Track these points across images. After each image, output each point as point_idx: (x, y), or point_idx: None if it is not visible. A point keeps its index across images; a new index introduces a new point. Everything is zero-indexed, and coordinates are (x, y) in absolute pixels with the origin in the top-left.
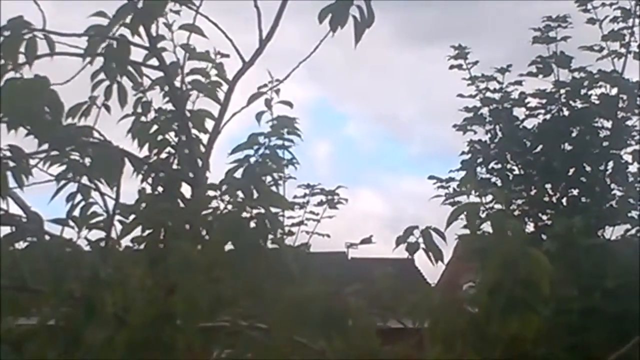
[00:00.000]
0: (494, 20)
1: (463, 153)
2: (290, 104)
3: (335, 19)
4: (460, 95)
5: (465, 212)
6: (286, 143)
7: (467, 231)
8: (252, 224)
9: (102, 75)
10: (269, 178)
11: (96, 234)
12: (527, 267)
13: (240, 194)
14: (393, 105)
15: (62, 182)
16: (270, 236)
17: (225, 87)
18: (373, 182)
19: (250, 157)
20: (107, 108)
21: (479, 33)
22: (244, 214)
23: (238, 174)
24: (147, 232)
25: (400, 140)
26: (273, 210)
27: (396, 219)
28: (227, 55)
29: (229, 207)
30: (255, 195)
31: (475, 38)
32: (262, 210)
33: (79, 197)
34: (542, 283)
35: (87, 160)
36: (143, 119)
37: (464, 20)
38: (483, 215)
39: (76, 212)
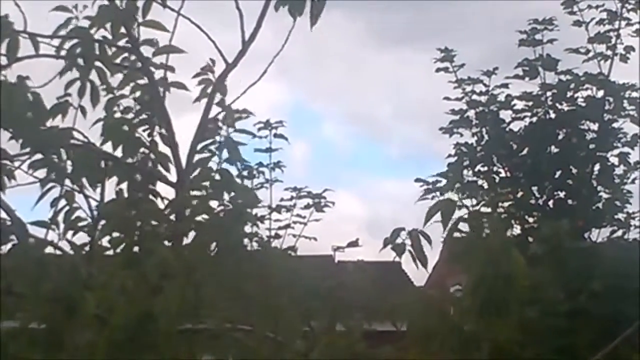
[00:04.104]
0: (469, 21)
1: (449, 156)
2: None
3: (293, 7)
4: (447, 98)
5: (440, 210)
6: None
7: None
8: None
9: (75, 74)
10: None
11: (81, 237)
12: (508, 265)
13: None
14: (368, 105)
15: (48, 186)
16: (255, 239)
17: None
18: (350, 184)
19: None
20: (83, 109)
21: (455, 34)
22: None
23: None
24: (123, 234)
25: (377, 141)
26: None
27: (374, 221)
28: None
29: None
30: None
31: (451, 39)
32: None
33: (62, 202)
34: (519, 280)
35: (69, 163)
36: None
37: (439, 21)
38: (464, 216)
39: (60, 217)
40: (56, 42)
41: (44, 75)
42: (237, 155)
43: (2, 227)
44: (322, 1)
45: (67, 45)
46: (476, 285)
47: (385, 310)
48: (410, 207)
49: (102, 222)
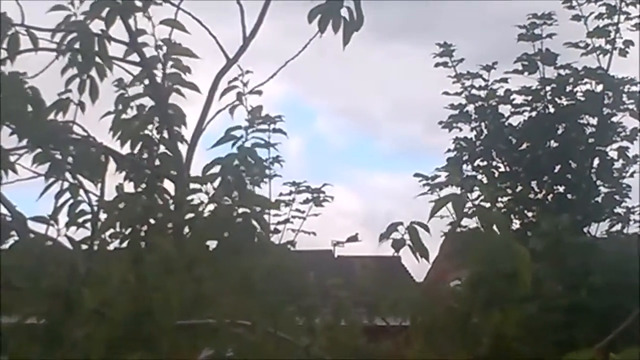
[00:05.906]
0: (466, 14)
1: (449, 150)
2: (259, 92)
3: (324, 19)
4: (446, 93)
5: (451, 203)
6: (268, 139)
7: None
8: (238, 222)
9: (75, 70)
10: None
11: (82, 233)
12: (510, 260)
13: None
14: (362, 100)
15: (50, 180)
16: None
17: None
18: (344, 178)
19: (230, 156)
20: (82, 105)
21: (450, 28)
22: (231, 212)
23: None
24: (128, 229)
25: (371, 136)
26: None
27: (369, 216)
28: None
29: (210, 205)
30: (238, 194)
31: (446, 33)
32: (248, 210)
33: (66, 195)
34: (523, 276)
35: (70, 158)
36: (124, 115)
37: (434, 15)
38: (469, 211)
39: (63, 211)
40: (55, 37)
41: (38, 70)
42: (262, 173)
43: (2, 223)
44: (354, 23)
45: (66, 40)
46: (476, 280)
47: (389, 305)
48: (405, 201)
49: (103, 216)
